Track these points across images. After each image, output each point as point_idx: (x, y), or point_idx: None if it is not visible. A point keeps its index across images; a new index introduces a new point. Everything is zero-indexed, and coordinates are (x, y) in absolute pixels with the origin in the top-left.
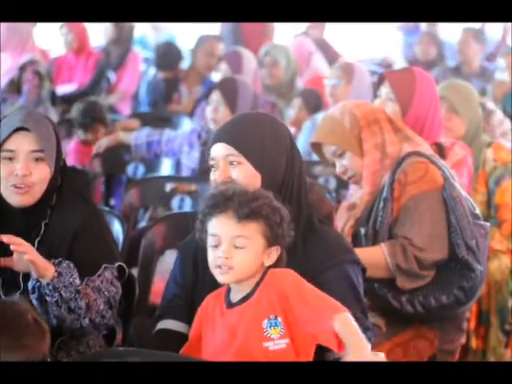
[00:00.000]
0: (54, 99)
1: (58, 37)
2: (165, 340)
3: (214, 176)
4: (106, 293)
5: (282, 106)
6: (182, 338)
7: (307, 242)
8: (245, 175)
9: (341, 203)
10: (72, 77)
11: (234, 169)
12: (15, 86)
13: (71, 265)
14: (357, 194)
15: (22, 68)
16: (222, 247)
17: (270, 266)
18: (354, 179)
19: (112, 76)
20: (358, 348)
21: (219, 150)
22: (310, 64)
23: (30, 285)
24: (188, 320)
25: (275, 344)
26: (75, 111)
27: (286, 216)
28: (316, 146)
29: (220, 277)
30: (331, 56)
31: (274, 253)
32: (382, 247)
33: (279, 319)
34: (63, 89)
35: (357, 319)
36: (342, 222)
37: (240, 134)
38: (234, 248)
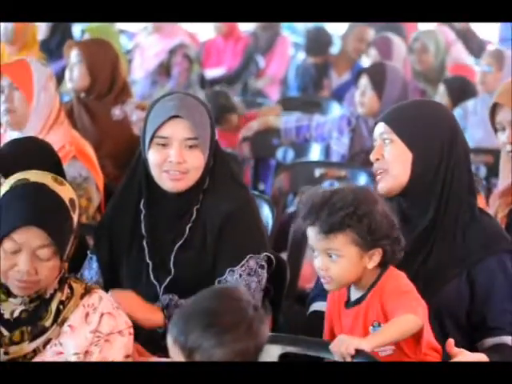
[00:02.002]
0: (203, 83)
1: None
2: (316, 322)
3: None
4: (245, 284)
5: (432, 92)
6: None
7: (467, 231)
8: (395, 153)
9: (492, 192)
10: (221, 61)
11: (386, 147)
12: (165, 69)
13: None
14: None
15: (172, 51)
16: (318, 259)
17: (387, 266)
18: None
19: (261, 60)
20: (371, 339)
21: (377, 129)
22: (451, 52)
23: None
24: None
25: (382, 351)
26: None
27: (378, 219)
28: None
29: (325, 285)
30: (475, 44)
31: (376, 255)
32: None
33: (383, 326)
34: (212, 72)
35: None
36: (493, 210)
37: (396, 113)
38: (328, 259)
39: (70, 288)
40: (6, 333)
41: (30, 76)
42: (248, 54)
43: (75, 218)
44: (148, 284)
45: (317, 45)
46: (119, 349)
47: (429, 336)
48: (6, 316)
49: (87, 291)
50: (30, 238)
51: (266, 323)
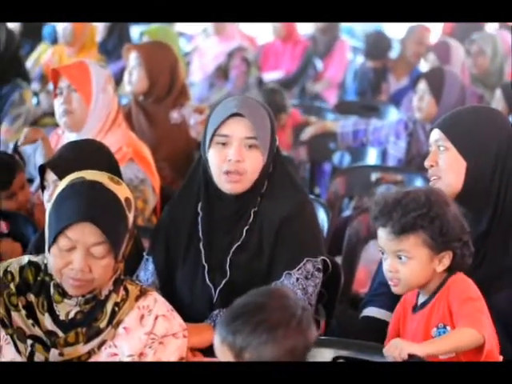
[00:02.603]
0: (261, 86)
1: (266, 24)
2: (368, 327)
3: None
4: (302, 287)
5: (489, 97)
6: (385, 326)
7: None
8: (449, 161)
9: None
10: (279, 64)
11: (441, 154)
12: (223, 72)
13: None
14: None
15: (231, 54)
16: (388, 261)
17: (454, 271)
18: None
19: (319, 64)
20: (426, 345)
21: (433, 136)
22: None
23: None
24: (393, 309)
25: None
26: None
27: (450, 221)
28: None
29: (392, 288)
30: None
31: (446, 258)
32: None
33: (448, 328)
34: (270, 76)
35: None
36: None
37: (452, 120)
38: (398, 260)
39: (126, 290)
40: (60, 334)
41: (88, 78)
42: (306, 57)
43: (131, 217)
44: (203, 286)
45: (376, 49)
46: (173, 351)
47: (491, 346)
48: (62, 317)
49: (142, 293)
50: (85, 234)
51: (314, 324)
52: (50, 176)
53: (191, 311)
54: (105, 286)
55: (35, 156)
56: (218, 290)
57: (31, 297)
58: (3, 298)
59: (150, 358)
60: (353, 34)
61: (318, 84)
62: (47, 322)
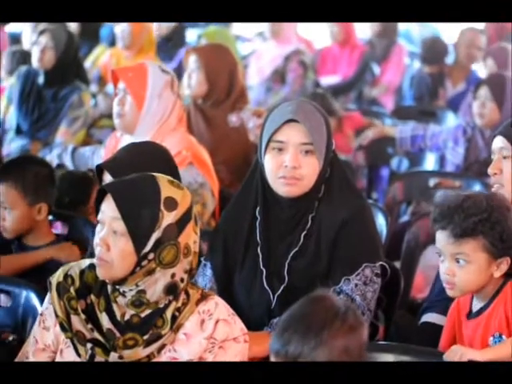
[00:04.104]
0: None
1: (324, 28)
2: (427, 333)
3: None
4: (361, 293)
5: None
6: None
7: None
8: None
9: None
10: (336, 68)
11: (505, 162)
12: (280, 76)
13: None
14: None
15: (287, 58)
16: (445, 264)
17: (511, 277)
18: None
19: (376, 69)
20: (486, 352)
21: (496, 143)
22: None
23: None
24: None
25: None
26: None
27: (510, 227)
28: None
29: (448, 291)
30: None
31: (505, 263)
32: None
33: (504, 337)
34: (327, 80)
35: None
36: None
37: None
38: (455, 264)
39: (187, 294)
40: (118, 334)
41: (144, 82)
42: (364, 62)
43: (168, 218)
44: (261, 291)
45: (432, 54)
46: (234, 356)
47: None
48: (118, 318)
49: (203, 297)
50: (108, 206)
51: (363, 322)
52: (107, 177)
53: (249, 317)
54: (122, 272)
55: (93, 158)
56: (276, 296)
57: (91, 298)
58: (63, 301)
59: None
60: (410, 38)
61: (375, 89)
62: (104, 320)
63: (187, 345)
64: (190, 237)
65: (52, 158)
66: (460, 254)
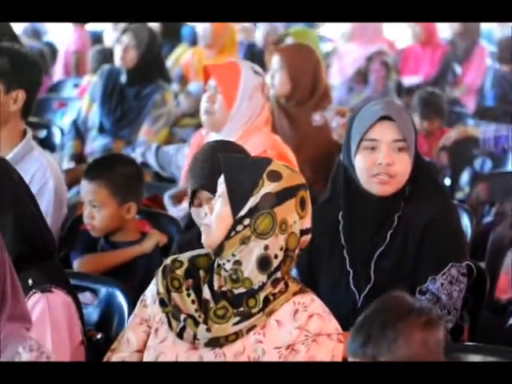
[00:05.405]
0: (400, 90)
1: (405, 28)
2: None
3: None
4: (447, 292)
5: None
6: None
7: None
8: None
9: None
10: (418, 68)
11: None
12: (362, 76)
13: None
14: None
15: (370, 58)
16: None
17: None
18: None
19: (458, 69)
20: None
21: None
22: None
23: None
24: None
25: None
26: (416, 100)
27: None
28: None
29: None
30: None
31: None
32: None
33: None
34: (409, 80)
35: None
36: None
37: None
38: None
39: (286, 284)
40: (212, 304)
41: (236, 82)
42: (445, 62)
43: (267, 187)
44: (348, 292)
45: (509, 53)
46: (327, 352)
47: None
48: (215, 288)
49: (301, 291)
50: None
51: (439, 319)
52: (204, 195)
53: (335, 317)
54: (219, 235)
55: (177, 156)
56: (362, 296)
57: (200, 274)
58: (166, 280)
59: (301, 355)
60: (491, 39)
61: (457, 89)
62: (205, 291)
63: (277, 332)
64: (290, 214)
65: (136, 156)
66: None
